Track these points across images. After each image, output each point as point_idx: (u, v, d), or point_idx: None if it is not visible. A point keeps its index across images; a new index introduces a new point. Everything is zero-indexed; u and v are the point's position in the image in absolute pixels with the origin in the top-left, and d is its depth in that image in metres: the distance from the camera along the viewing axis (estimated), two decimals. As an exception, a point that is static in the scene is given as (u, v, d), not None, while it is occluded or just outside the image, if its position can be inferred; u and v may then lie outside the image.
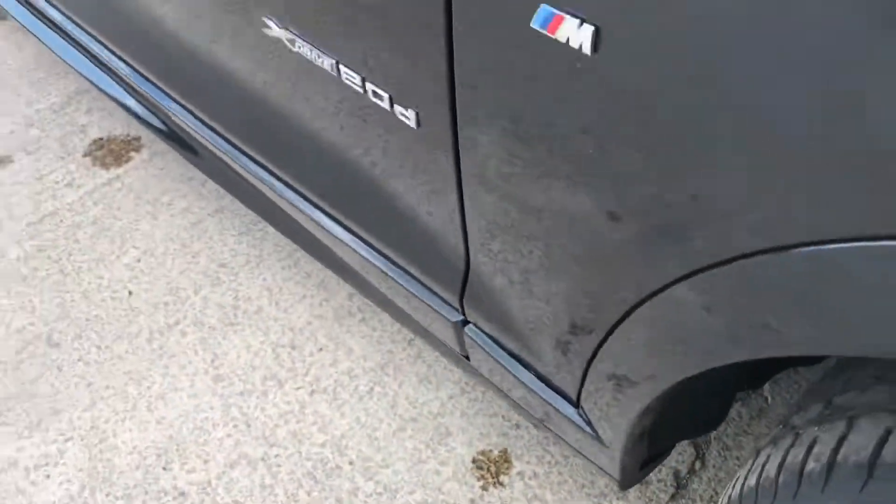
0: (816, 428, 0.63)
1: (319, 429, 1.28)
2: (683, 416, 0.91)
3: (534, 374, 0.90)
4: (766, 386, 1.33)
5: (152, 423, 1.29)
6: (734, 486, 0.75)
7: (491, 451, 1.25)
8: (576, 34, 0.54)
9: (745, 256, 0.55)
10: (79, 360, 1.38)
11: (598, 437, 0.86)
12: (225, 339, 1.39)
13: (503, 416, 1.28)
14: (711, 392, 0.91)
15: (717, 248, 0.56)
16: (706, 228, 0.56)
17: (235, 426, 1.29)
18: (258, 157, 1.18)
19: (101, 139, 1.79)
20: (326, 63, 0.81)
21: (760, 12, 0.45)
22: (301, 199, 1.13)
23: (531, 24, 0.56)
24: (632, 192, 0.60)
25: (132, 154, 1.75)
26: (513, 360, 0.92)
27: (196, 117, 1.28)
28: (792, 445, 0.65)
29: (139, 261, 1.53)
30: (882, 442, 0.56)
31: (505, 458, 1.24)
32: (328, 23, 0.79)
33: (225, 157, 1.25)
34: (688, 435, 1.04)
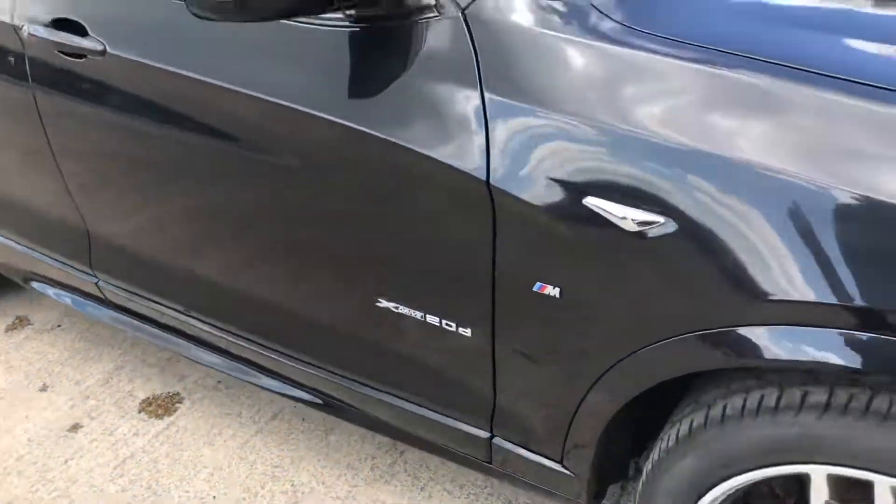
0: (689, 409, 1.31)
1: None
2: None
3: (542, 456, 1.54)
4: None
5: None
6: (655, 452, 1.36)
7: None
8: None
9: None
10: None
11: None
12: (294, 513, 1.98)
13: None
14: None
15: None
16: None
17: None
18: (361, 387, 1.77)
19: (148, 398, 2.37)
20: (418, 315, 1.49)
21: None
22: (376, 392, 1.72)
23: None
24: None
25: (177, 405, 2.35)
26: (531, 454, 1.56)
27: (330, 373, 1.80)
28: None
29: (213, 475, 2.09)
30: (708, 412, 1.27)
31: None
32: (419, 287, 1.48)
33: (337, 394, 1.83)
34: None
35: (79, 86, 1.81)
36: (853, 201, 1.02)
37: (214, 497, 2.03)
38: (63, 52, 1.79)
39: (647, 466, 1.41)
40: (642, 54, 1.17)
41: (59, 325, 2.74)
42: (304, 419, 2.25)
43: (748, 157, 1.07)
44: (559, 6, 1.24)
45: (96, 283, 2.17)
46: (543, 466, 1.55)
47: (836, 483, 1.16)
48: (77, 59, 1.76)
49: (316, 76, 1.45)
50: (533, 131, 1.22)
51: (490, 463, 1.66)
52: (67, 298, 2.34)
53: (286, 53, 1.48)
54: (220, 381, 2.41)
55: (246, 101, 1.49)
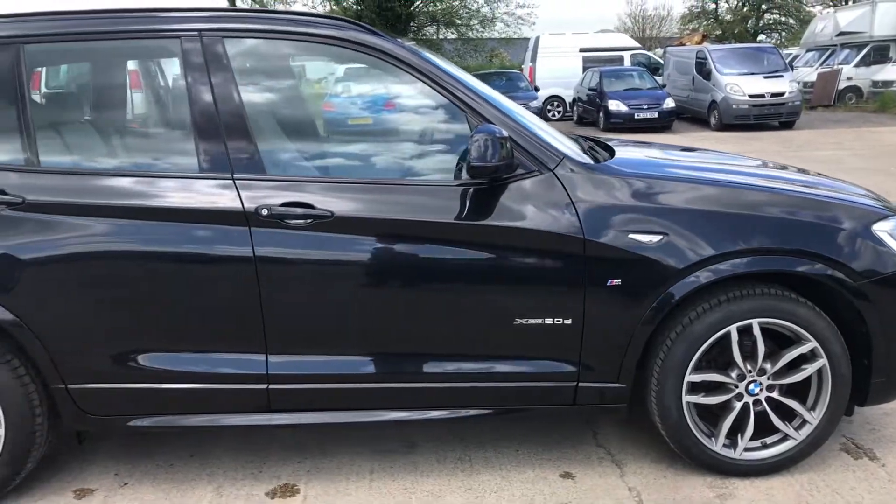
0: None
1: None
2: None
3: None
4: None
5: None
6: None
7: None
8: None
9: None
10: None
11: None
12: None
13: None
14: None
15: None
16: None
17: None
18: None
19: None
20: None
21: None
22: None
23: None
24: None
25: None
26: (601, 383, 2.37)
27: None
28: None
29: None
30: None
31: None
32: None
33: None
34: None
35: (302, 247, 2.49)
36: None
37: None
38: (289, 223, 2.46)
39: (657, 364, 2.61)
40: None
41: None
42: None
43: None
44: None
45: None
46: (610, 387, 2.61)
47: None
48: (302, 227, 2.47)
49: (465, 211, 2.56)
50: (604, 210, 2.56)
51: (574, 403, 2.65)
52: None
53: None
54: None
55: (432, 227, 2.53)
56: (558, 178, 2.54)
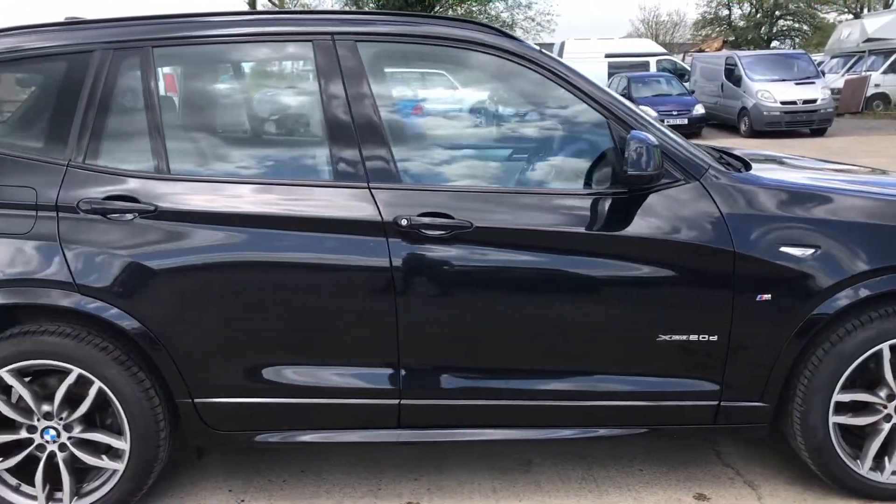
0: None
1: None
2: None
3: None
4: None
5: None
6: None
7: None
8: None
9: None
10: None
11: None
12: None
13: None
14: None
15: None
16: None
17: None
18: None
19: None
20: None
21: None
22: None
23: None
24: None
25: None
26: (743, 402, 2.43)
27: None
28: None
29: None
30: None
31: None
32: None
33: None
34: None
35: (440, 258, 2.40)
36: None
37: None
38: (427, 234, 2.37)
39: (802, 382, 2.50)
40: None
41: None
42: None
43: None
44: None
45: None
46: (753, 407, 2.50)
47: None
48: (440, 239, 2.37)
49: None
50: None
51: (714, 423, 2.55)
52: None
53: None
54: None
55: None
56: (706, 188, 2.45)
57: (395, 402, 2.50)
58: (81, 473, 2.56)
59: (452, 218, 2.39)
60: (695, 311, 2.45)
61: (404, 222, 2.37)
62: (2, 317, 2.50)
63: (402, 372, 2.48)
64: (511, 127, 3.13)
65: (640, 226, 2.42)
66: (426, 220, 2.38)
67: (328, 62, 2.44)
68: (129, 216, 2.37)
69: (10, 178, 2.41)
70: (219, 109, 2.74)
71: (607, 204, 2.45)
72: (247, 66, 2.71)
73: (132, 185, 2.40)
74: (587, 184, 2.60)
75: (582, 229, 2.43)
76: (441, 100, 3.28)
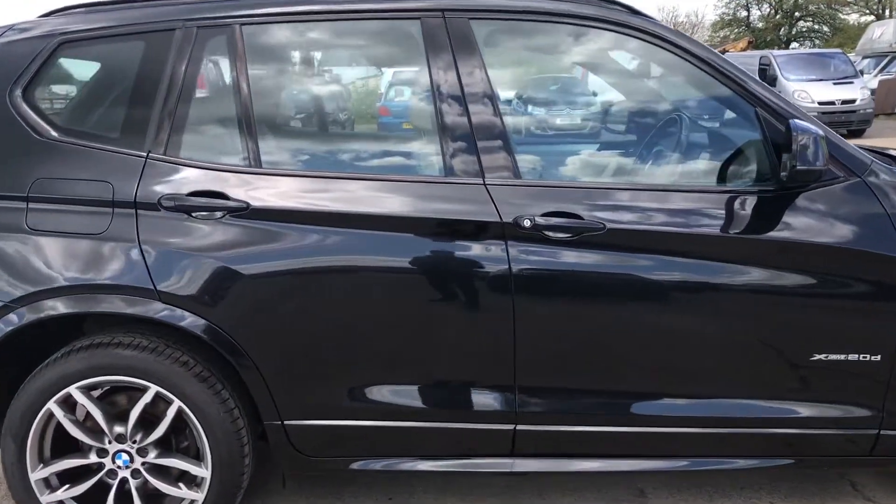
0: None
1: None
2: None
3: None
4: None
5: None
6: None
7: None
8: None
9: None
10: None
11: None
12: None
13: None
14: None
15: None
16: None
17: None
18: None
19: None
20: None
21: None
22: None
23: None
24: None
25: None
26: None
27: None
28: None
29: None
30: None
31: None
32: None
33: None
34: None
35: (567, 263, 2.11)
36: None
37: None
38: (552, 236, 2.08)
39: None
40: None
41: None
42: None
43: None
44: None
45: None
46: None
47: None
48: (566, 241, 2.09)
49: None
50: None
51: (870, 454, 2.26)
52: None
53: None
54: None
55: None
56: (869, 187, 2.15)
57: (511, 427, 2.21)
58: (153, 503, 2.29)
59: (582, 218, 2.11)
60: (857, 327, 2.15)
61: (527, 223, 2.09)
62: (68, 327, 2.24)
63: (519, 394, 2.19)
64: (642, 116, 2.82)
65: (793, 228, 2.12)
66: (552, 220, 2.10)
67: (439, 41, 2.15)
68: (217, 214, 2.10)
69: (82, 171, 2.14)
70: (314, 96, 2.46)
71: (753, 203, 2.15)
72: (345, 49, 2.43)
73: (220, 179, 2.13)
74: (722, 180, 2.30)
75: (729, 232, 2.13)
76: (568, 85, 2.97)
